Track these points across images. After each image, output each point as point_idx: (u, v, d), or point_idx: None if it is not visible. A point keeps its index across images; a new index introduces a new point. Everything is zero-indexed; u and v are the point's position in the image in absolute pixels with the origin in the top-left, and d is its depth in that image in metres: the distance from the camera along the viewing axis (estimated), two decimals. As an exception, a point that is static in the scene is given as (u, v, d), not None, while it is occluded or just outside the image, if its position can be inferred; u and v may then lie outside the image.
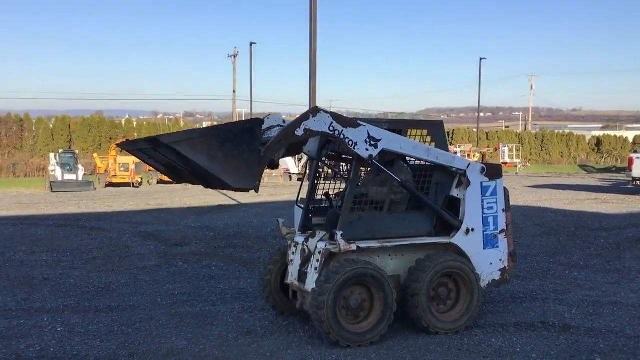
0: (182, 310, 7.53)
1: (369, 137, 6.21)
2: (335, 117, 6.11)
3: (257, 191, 5.82)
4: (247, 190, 5.79)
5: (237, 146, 5.43)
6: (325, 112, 6.06)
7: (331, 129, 6.05)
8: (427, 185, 6.76)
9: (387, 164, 6.76)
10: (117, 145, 6.91)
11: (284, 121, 7.08)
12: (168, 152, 5.48)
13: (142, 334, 6.58)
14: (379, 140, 6.25)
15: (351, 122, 6.18)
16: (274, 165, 6.30)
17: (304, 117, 5.98)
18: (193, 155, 5.29)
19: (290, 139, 5.96)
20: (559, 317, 7.18)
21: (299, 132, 5.94)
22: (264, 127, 6.33)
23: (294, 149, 6.91)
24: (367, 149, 6.20)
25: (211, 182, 5.77)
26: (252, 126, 5.58)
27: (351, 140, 6.13)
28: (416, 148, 6.51)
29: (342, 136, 6.10)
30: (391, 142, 6.33)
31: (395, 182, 6.39)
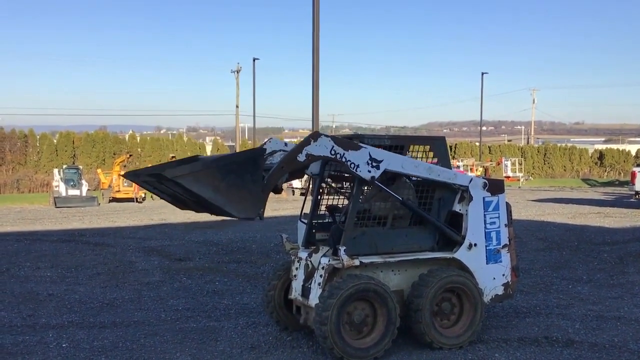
0: (186, 326, 7.56)
1: (371, 158, 6.27)
2: (337, 140, 6.18)
3: (261, 218, 5.90)
4: (252, 220, 5.86)
5: (241, 176, 5.52)
6: (326, 136, 6.14)
7: (332, 152, 6.12)
8: (429, 201, 6.81)
9: (389, 179, 6.82)
10: (123, 175, 6.99)
11: (285, 144, 7.20)
12: (172, 185, 5.57)
13: (147, 350, 6.61)
14: (381, 161, 6.31)
15: (352, 145, 6.25)
16: (277, 191, 6.38)
17: (306, 142, 6.06)
18: (197, 188, 5.39)
19: (292, 164, 6.04)
20: (562, 332, 7.18)
21: (301, 157, 6.02)
22: (266, 152, 6.46)
23: (296, 173, 6.97)
24: (369, 171, 6.26)
25: (215, 211, 5.87)
26: (255, 156, 5.69)
27: (353, 163, 6.20)
28: (418, 167, 6.59)
29: (343, 159, 6.17)
30: (393, 162, 6.40)
31: (397, 200, 6.44)
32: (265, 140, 7.25)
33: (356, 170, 6.21)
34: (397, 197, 6.41)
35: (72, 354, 6.49)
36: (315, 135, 6.11)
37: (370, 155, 6.27)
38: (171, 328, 7.48)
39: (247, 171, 5.54)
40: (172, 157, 38.06)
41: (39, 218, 23.00)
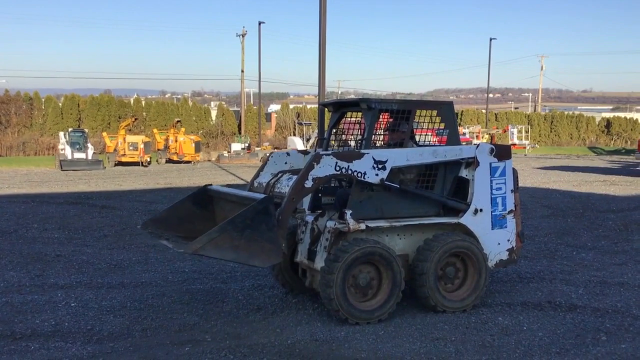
0: (193, 288, 7.65)
1: (375, 162, 6.27)
2: (339, 155, 6.16)
3: (285, 252, 6.13)
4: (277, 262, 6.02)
5: (256, 229, 5.61)
6: (327, 154, 6.13)
7: (337, 168, 6.12)
8: (436, 165, 6.80)
9: (396, 144, 6.80)
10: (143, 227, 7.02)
11: (287, 154, 7.22)
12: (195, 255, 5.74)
13: (155, 310, 6.70)
14: (386, 162, 6.31)
15: (354, 154, 6.24)
16: (295, 211, 6.35)
17: (309, 167, 6.04)
18: (219, 253, 5.59)
19: (301, 193, 6.07)
20: (565, 297, 7.24)
21: (308, 183, 6.03)
22: (272, 179, 6.63)
23: None
24: (376, 174, 6.27)
25: (242, 263, 6.03)
26: (266, 205, 5.72)
27: (360, 172, 6.20)
28: (423, 154, 6.59)
29: (350, 172, 6.17)
30: (397, 158, 6.40)
31: (394, 188, 6.44)
32: (268, 154, 7.31)
33: (364, 177, 6.22)
34: (396, 185, 6.43)
35: (80, 313, 6.59)
36: (316, 158, 6.08)
37: (374, 159, 6.26)
38: (178, 289, 7.57)
39: (261, 222, 5.64)
40: (177, 121, 38.01)
41: (45, 181, 23.12)
